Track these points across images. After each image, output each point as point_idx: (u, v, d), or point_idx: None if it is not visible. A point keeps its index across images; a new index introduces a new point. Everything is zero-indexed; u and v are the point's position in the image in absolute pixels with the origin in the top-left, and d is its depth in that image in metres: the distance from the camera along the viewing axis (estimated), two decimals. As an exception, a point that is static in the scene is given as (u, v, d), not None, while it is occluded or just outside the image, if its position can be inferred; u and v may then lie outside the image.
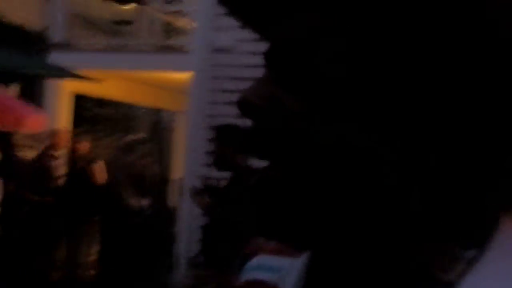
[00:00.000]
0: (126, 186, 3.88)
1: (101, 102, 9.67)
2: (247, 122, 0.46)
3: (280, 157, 0.44)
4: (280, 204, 0.44)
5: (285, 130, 0.43)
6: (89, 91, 8.26)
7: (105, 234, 4.13)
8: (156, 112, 11.14)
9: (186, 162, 6.27)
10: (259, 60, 0.46)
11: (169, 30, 11.12)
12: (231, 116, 4.16)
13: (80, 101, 8.83)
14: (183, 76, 6.41)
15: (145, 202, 4.00)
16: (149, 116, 10.96)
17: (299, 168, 0.43)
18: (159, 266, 5.25)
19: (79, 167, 5.73)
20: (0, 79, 6.75)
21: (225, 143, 3.48)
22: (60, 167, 6.15)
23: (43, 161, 6.10)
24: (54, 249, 5.69)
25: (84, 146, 6.03)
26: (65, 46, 7.81)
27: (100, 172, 5.56)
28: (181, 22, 10.34)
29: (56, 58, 7.29)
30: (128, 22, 9.69)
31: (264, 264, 0.58)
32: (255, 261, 0.57)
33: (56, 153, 6.16)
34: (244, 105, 0.45)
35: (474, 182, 0.42)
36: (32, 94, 7.52)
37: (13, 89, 7.39)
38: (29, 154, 6.69)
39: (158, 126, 11.20)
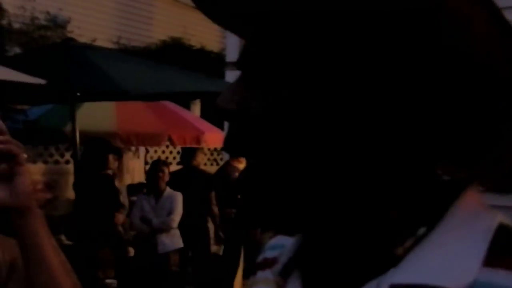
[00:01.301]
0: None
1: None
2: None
3: (256, 154, 0.50)
4: (262, 194, 0.50)
5: (254, 129, 0.49)
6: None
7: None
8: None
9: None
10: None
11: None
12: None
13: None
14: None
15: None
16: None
17: (272, 162, 0.48)
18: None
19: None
20: (182, 99, 7.24)
21: None
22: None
23: (227, 173, 6.38)
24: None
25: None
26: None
27: None
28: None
29: (233, 76, 7.63)
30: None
31: (278, 243, 0.63)
32: (272, 241, 0.66)
33: (239, 165, 6.42)
34: (219, 110, 0.50)
35: (422, 167, 0.49)
36: (212, 112, 7.95)
37: (195, 109, 7.87)
38: (210, 168, 7.07)
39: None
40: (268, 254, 0.65)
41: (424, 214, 0.48)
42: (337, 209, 0.49)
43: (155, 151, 8.79)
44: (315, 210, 0.49)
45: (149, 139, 6.42)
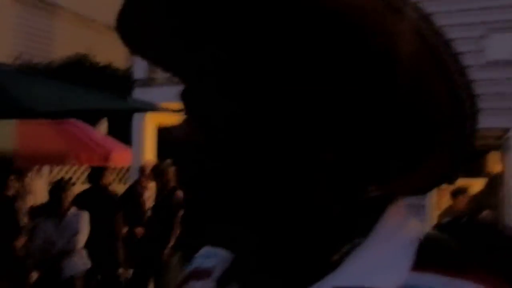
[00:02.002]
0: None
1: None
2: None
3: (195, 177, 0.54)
4: (209, 194, 0.53)
5: (196, 160, 0.53)
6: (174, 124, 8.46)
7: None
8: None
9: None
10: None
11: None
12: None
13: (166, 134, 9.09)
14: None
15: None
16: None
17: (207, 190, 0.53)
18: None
19: (166, 197, 5.84)
20: (88, 118, 7.06)
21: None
22: (150, 199, 6.30)
23: (134, 193, 6.26)
24: (142, 279, 5.79)
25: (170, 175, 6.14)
26: (148, 82, 8.07)
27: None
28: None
29: (139, 94, 7.53)
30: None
31: (210, 252, 0.64)
32: (203, 250, 0.66)
33: (147, 185, 6.32)
34: (170, 138, 0.54)
35: (354, 179, 0.52)
36: (119, 130, 7.81)
37: (101, 127, 7.70)
38: (118, 188, 6.91)
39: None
40: (200, 263, 0.64)
41: (357, 226, 0.52)
42: (272, 219, 0.52)
43: (60, 171, 8.50)
44: (252, 217, 0.52)
45: (53, 158, 6.20)
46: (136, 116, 7.84)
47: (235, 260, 0.58)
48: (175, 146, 0.54)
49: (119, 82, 8.35)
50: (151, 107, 6.91)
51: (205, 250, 0.65)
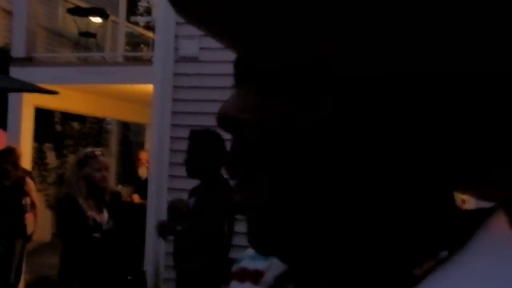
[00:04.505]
0: (84, 199, 3.77)
1: (68, 117, 9.55)
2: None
3: (274, 169, 0.43)
4: (276, 220, 0.44)
5: (281, 142, 0.42)
6: (55, 106, 8.13)
7: (65, 248, 4.00)
8: (125, 126, 11.03)
9: (151, 174, 6.18)
10: (224, 68, 0.43)
11: (135, 42, 11.05)
12: (196, 126, 4.12)
13: (47, 116, 8.70)
14: (149, 88, 6.32)
15: (104, 216, 3.89)
16: (118, 130, 10.84)
17: (296, 179, 0.43)
18: (122, 284, 5.14)
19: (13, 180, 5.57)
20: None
21: (198, 148, 3.49)
22: None
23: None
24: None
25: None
26: (28, 61, 7.67)
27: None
28: (148, 34, 10.26)
29: (18, 73, 7.14)
30: (92, 35, 9.61)
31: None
32: (252, 250, 0.58)
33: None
34: (228, 121, 0.43)
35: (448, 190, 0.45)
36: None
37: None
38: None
39: (127, 140, 11.10)
40: (247, 264, 0.58)
41: (445, 239, 0.45)
42: (350, 229, 0.44)
43: None
44: (329, 236, 0.44)
45: None
46: (13, 97, 7.43)
47: (292, 267, 0.50)
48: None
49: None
50: (31, 88, 6.59)
51: (253, 251, 0.58)
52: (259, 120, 0.42)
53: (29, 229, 5.59)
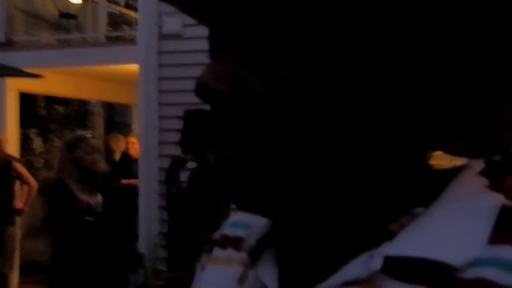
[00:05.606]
0: (76, 183, 3.73)
1: (52, 101, 9.44)
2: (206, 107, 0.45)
3: (243, 139, 0.44)
4: (243, 179, 0.44)
5: (251, 114, 0.43)
6: (39, 90, 8.03)
7: (56, 233, 3.98)
8: (110, 107, 10.94)
9: (140, 154, 6.14)
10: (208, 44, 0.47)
11: (117, 22, 10.91)
12: (182, 104, 4.08)
13: (31, 101, 8.59)
14: (133, 67, 6.24)
15: (95, 199, 3.86)
16: (103, 112, 10.75)
17: (262, 148, 0.43)
18: (118, 266, 5.14)
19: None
20: None
21: (191, 128, 3.52)
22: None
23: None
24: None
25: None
26: (8, 45, 7.55)
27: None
28: (129, 13, 10.14)
29: (-1, 57, 7.02)
30: (73, 16, 9.47)
31: (241, 221, 0.58)
32: (233, 218, 0.60)
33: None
34: (205, 91, 0.43)
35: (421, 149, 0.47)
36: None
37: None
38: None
39: (113, 121, 11.01)
40: (228, 231, 0.58)
41: (420, 195, 0.46)
42: (327, 187, 0.45)
43: None
44: (306, 191, 0.45)
45: None
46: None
47: (273, 229, 0.51)
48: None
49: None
50: (15, 73, 6.49)
51: (234, 218, 0.58)
52: (233, 90, 0.43)
53: (19, 205, 5.55)
